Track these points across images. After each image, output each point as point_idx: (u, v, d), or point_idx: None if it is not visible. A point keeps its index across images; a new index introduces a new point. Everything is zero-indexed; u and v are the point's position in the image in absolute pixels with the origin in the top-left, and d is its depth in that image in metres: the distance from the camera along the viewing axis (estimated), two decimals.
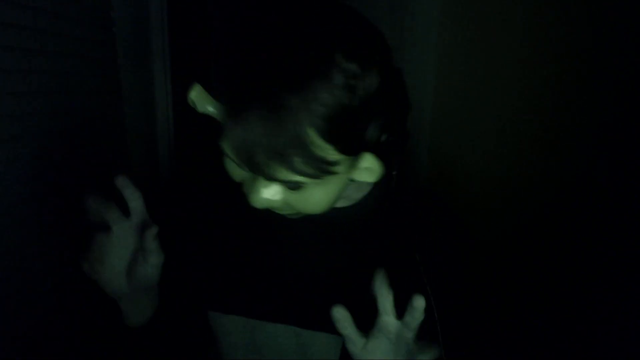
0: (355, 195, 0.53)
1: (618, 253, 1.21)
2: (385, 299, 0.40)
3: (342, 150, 0.38)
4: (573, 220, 1.30)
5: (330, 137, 0.36)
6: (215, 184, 0.58)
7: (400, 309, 0.41)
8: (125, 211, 0.49)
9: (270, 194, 0.41)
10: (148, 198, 0.51)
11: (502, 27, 1.25)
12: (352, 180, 0.43)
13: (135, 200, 0.46)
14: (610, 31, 1.20)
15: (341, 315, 0.40)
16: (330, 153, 0.37)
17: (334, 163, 0.38)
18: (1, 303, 0.66)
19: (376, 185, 0.55)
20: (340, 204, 0.53)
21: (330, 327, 0.49)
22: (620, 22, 1.19)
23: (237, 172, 0.44)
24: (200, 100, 0.41)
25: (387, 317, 0.40)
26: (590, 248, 1.27)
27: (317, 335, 0.51)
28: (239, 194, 0.55)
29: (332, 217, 0.52)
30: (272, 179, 0.38)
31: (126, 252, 0.46)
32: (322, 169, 0.38)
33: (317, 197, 0.42)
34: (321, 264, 0.52)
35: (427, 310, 0.41)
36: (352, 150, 0.39)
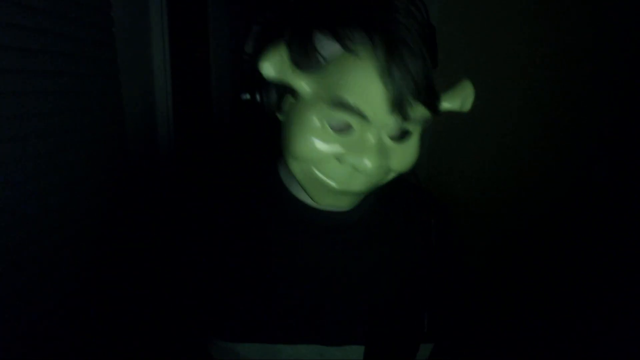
0: None
1: (618, 253, 1.21)
2: None
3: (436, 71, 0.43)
4: (573, 220, 1.30)
5: (433, 58, 0.42)
6: (217, 186, 0.57)
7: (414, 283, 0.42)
8: (126, 211, 0.48)
9: (381, 152, 0.41)
10: (148, 199, 0.50)
11: (502, 28, 1.25)
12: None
13: None
14: (611, 31, 1.20)
15: None
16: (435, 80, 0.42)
17: (440, 95, 0.42)
18: (1, 303, 0.66)
19: None
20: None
21: (353, 337, 0.49)
22: (620, 22, 1.19)
23: (326, 139, 0.41)
24: (282, 62, 0.39)
25: None
26: (590, 248, 1.27)
27: (342, 349, 0.49)
28: (240, 197, 0.54)
29: (338, 221, 0.52)
30: (406, 118, 0.40)
31: None
32: (438, 101, 0.42)
33: (415, 145, 0.44)
34: (335, 272, 0.51)
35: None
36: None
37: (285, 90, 0.43)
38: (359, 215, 0.53)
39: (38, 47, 0.72)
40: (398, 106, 0.39)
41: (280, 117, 0.44)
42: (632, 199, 1.20)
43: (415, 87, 0.38)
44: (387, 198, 0.55)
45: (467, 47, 1.27)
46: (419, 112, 0.40)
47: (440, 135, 1.34)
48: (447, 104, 0.43)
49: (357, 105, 0.39)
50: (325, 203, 0.45)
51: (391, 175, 0.45)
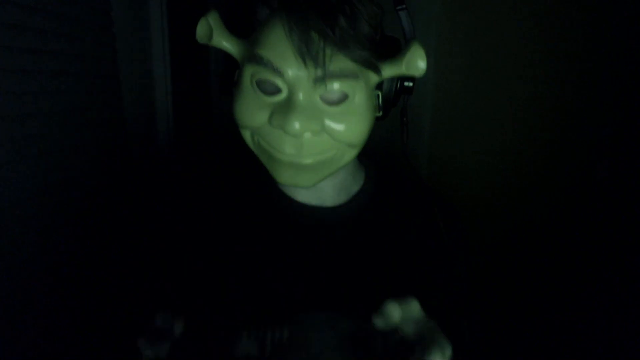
0: (352, 188, 0.54)
1: (618, 253, 1.21)
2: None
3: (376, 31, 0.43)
4: (573, 221, 1.29)
5: (375, 32, 0.42)
6: (207, 182, 0.57)
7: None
8: (126, 211, 0.49)
9: (310, 113, 0.40)
10: (148, 198, 0.51)
11: (502, 28, 1.25)
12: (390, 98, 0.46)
13: None
14: (611, 31, 1.20)
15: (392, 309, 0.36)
16: (375, 31, 0.42)
17: (380, 46, 0.42)
18: (1, 303, 0.66)
19: (369, 178, 0.55)
20: (339, 199, 0.53)
21: None
22: (620, 22, 1.19)
23: (261, 105, 0.42)
24: (218, 26, 0.42)
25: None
26: (590, 249, 1.27)
27: None
28: (229, 193, 0.54)
29: (328, 217, 0.52)
30: (325, 74, 0.39)
31: None
32: (374, 54, 0.41)
33: (355, 113, 0.42)
34: (322, 269, 0.51)
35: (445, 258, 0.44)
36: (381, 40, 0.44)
37: (236, 65, 0.45)
38: (350, 211, 0.53)
39: (38, 47, 0.72)
40: (306, 55, 0.38)
41: (234, 90, 0.46)
42: (632, 199, 1.20)
43: (323, 35, 0.38)
44: (383, 195, 0.55)
45: (467, 47, 1.27)
46: (340, 63, 0.40)
47: (440, 135, 1.34)
48: (388, 68, 0.43)
49: (268, 57, 0.40)
50: (287, 181, 0.45)
51: (347, 153, 0.45)
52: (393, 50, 0.45)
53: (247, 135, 0.45)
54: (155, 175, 1.12)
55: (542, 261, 1.33)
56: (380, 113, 0.47)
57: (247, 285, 0.50)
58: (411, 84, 0.47)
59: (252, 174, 0.54)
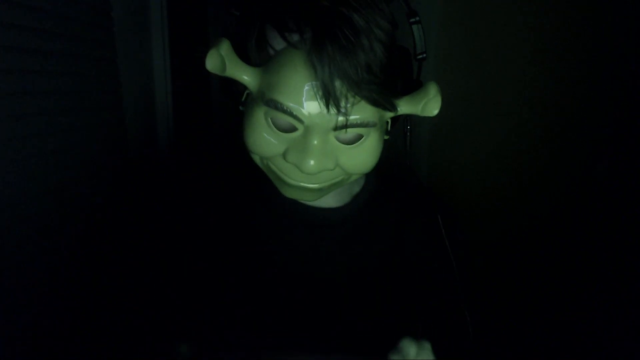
0: (353, 189, 0.54)
1: (618, 253, 1.21)
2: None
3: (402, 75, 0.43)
4: (573, 221, 1.30)
5: (391, 56, 0.40)
6: (208, 183, 0.57)
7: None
8: (126, 211, 0.49)
9: (325, 153, 0.40)
10: (148, 199, 0.50)
11: (502, 28, 1.25)
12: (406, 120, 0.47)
13: None
14: (611, 31, 1.20)
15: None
16: (394, 80, 0.41)
17: (398, 94, 0.42)
18: (1, 303, 0.66)
19: (370, 178, 0.55)
20: (341, 200, 0.53)
21: (335, 338, 0.49)
22: (620, 22, 1.19)
23: (275, 138, 0.41)
24: (230, 57, 0.40)
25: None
26: (591, 249, 1.27)
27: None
28: (230, 194, 0.54)
29: (327, 218, 0.52)
30: (347, 122, 0.38)
31: None
32: (392, 100, 0.41)
33: (369, 150, 0.42)
34: (321, 270, 0.51)
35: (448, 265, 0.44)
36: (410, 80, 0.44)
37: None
38: (349, 212, 0.53)
39: (38, 47, 0.72)
40: (328, 104, 0.37)
41: (242, 109, 0.45)
42: (632, 200, 1.20)
43: (347, 83, 0.37)
44: (383, 196, 0.55)
45: (468, 48, 1.27)
46: (361, 111, 0.39)
47: (440, 134, 1.34)
48: (405, 106, 0.42)
49: (287, 105, 0.38)
50: (291, 196, 0.45)
51: (354, 176, 0.45)
52: (404, 65, 0.45)
53: (256, 158, 0.45)
54: (155, 176, 1.12)
55: (542, 261, 1.33)
56: (388, 137, 0.47)
57: (249, 285, 0.50)
58: None
59: (253, 174, 0.54)
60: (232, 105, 0.46)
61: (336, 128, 0.39)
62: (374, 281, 0.51)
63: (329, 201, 0.52)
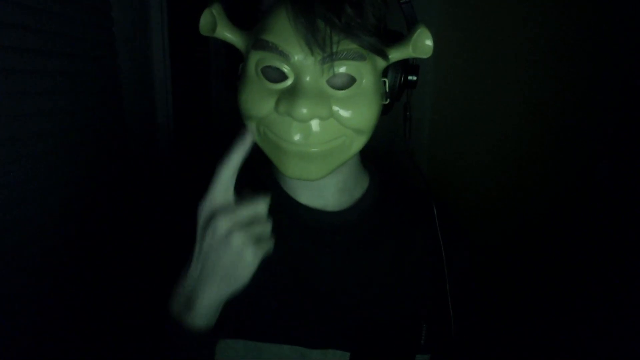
0: (355, 192, 0.53)
1: (618, 253, 1.21)
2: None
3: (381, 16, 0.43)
4: (574, 221, 1.30)
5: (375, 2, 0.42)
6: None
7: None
8: (126, 211, 0.49)
9: (318, 98, 0.40)
10: (148, 199, 0.50)
11: (502, 28, 1.25)
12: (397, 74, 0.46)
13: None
14: (611, 31, 1.20)
15: None
16: (380, 23, 0.43)
17: (389, 33, 0.43)
18: (1, 303, 0.66)
19: (373, 183, 0.55)
20: (341, 202, 0.52)
21: (336, 342, 0.49)
22: (620, 22, 1.19)
23: (266, 93, 0.42)
24: (221, 18, 0.42)
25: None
26: (591, 249, 1.27)
27: (323, 352, 0.49)
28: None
29: (333, 221, 0.51)
30: (332, 56, 0.39)
31: None
32: (380, 40, 0.41)
33: (364, 99, 0.42)
34: (325, 274, 0.50)
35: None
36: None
37: (239, 59, 0.45)
38: (356, 215, 0.52)
39: (38, 47, 0.72)
40: (312, 43, 0.38)
41: (237, 84, 0.46)
42: (633, 201, 1.20)
43: (329, 23, 0.38)
44: (387, 201, 0.55)
45: (467, 48, 1.27)
46: (345, 47, 0.40)
47: (440, 134, 1.34)
48: (395, 52, 0.43)
49: (273, 42, 0.40)
50: (294, 173, 0.45)
51: (356, 141, 0.44)
52: (397, 40, 0.45)
53: (252, 126, 0.44)
54: (156, 175, 1.12)
55: (543, 261, 1.33)
56: (388, 101, 0.46)
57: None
58: (415, 78, 0.47)
59: (254, 174, 0.54)
60: (232, 105, 0.46)
61: (323, 62, 0.40)
62: (375, 287, 0.51)
63: (329, 202, 0.52)
